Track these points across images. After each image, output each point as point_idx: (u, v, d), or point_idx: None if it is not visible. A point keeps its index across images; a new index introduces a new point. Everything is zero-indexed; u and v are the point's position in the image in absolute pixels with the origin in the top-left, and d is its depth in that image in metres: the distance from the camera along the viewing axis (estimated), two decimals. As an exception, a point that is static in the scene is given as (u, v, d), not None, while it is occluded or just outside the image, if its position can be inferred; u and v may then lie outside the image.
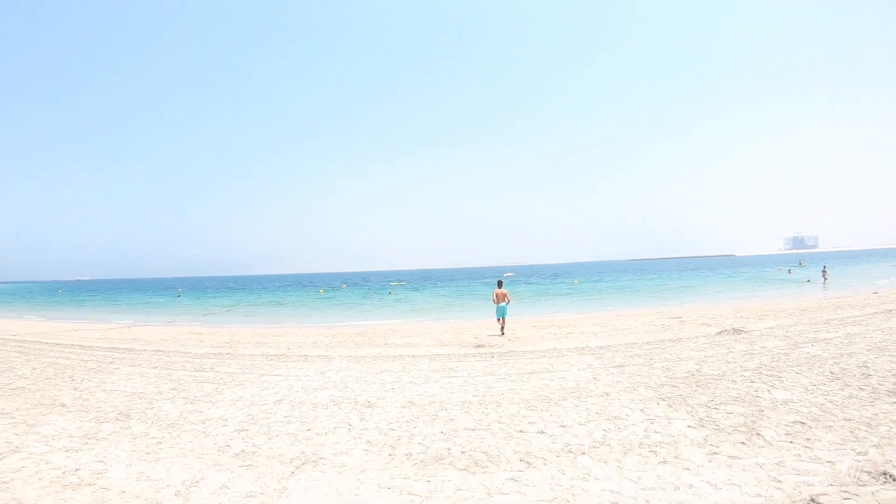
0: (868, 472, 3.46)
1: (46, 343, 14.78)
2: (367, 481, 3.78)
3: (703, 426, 4.65)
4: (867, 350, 7.52)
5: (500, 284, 13.11)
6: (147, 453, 4.95)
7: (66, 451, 5.00)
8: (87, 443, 5.27)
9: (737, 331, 10.41)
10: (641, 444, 4.28)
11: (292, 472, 4.01)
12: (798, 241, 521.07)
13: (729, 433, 4.41)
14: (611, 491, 3.50)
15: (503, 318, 12.57)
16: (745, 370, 6.78)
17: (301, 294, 51.75)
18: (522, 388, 6.53)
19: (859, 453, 3.81)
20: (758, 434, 4.33)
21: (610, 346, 9.63)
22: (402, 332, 14.76)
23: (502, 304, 12.57)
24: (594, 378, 6.85)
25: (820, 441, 4.11)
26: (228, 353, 11.24)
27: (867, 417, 4.59)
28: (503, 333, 12.39)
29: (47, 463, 4.66)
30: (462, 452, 4.27)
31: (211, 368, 9.42)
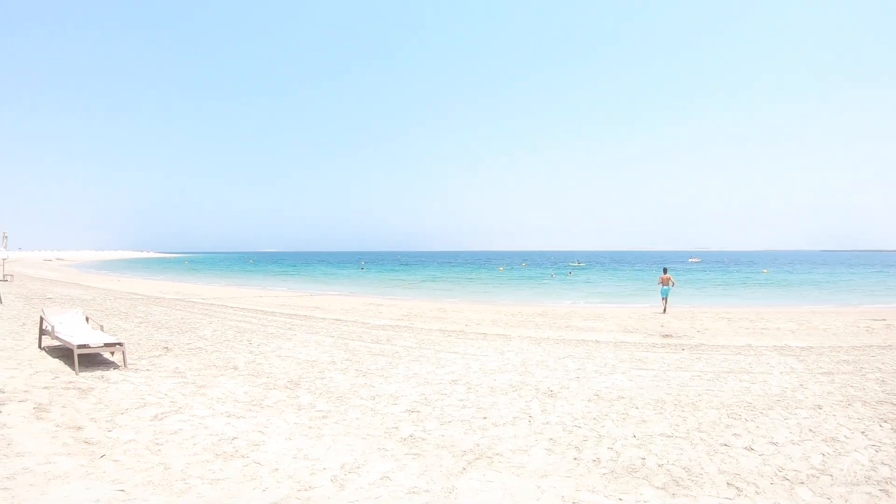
0: None
1: (231, 307, 18.86)
2: (548, 490, 3.95)
3: (942, 465, 4.68)
4: None
5: (665, 271, 19.98)
6: (310, 427, 5.47)
7: (228, 416, 5.75)
8: (250, 409, 6.04)
9: (957, 340, 10.97)
10: (868, 478, 4.35)
11: (463, 469, 4.29)
12: None
13: (980, 480, 4.37)
14: (840, 541, 3.57)
15: (665, 298, 19.02)
16: (979, 393, 6.98)
17: (481, 271, 65.89)
18: (721, 389, 7.16)
19: None
20: None
21: (812, 347, 10.61)
22: (584, 314, 17.12)
23: (666, 286, 19.12)
24: (801, 385, 7.40)
25: None
26: (406, 327, 13.36)
27: None
28: (665, 311, 18.41)
29: (206, 428, 5.35)
30: (659, 465, 4.45)
31: (387, 341, 11.05)
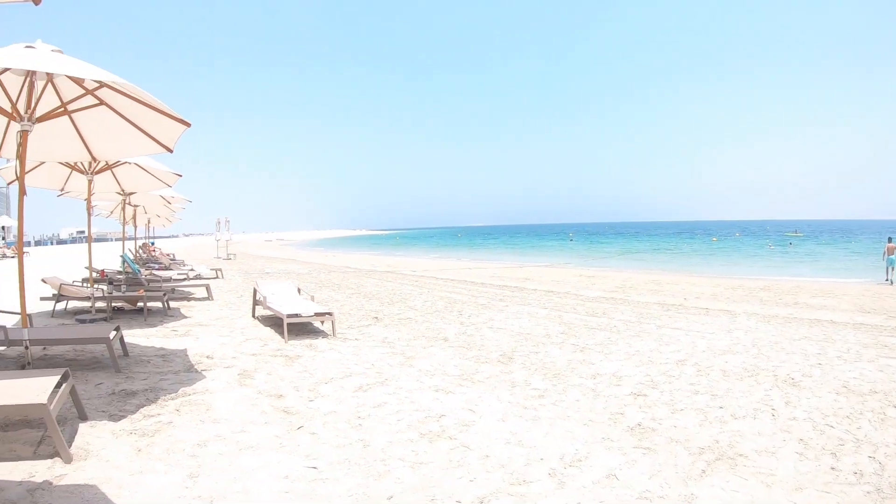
0: None
1: (440, 279, 19.84)
2: (803, 507, 3.48)
3: None
4: None
5: (890, 240, 22.03)
6: (524, 408, 5.15)
7: (437, 391, 5.63)
8: (461, 384, 5.90)
9: None
10: None
11: (702, 471, 3.92)
12: None
13: None
14: None
15: (893, 269, 21.17)
16: None
17: (693, 242, 69.46)
18: None
19: None
20: None
21: None
22: (811, 289, 16.81)
23: (892, 256, 21.33)
24: None
25: None
26: (621, 299, 13.48)
27: None
28: (889, 281, 20.75)
29: (412, 402, 5.23)
30: (932, 487, 3.81)
31: (603, 314, 10.99)
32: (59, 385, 4.04)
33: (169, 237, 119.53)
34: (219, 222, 37.02)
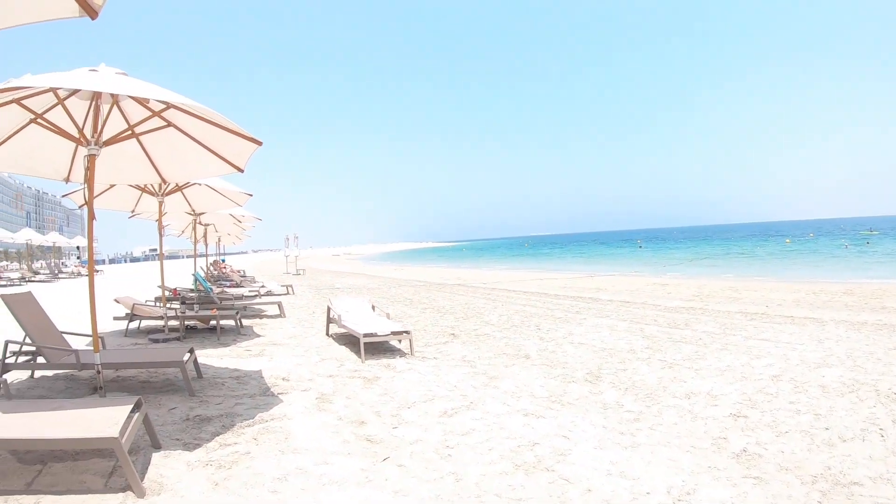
0: None
1: (512, 291, 19.50)
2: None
3: None
4: None
5: None
6: (621, 433, 4.80)
7: (526, 415, 5.27)
8: (550, 407, 5.53)
9: None
10: None
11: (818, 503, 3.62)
12: None
13: None
14: None
15: None
16: None
17: (765, 244, 68.97)
18: None
19: None
20: None
21: None
22: None
23: None
24: None
25: None
26: (701, 308, 13.06)
27: None
28: None
29: (502, 429, 4.88)
30: None
31: (685, 325, 10.55)
32: (132, 411, 3.89)
33: (238, 254, 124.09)
34: (287, 238, 38.23)
